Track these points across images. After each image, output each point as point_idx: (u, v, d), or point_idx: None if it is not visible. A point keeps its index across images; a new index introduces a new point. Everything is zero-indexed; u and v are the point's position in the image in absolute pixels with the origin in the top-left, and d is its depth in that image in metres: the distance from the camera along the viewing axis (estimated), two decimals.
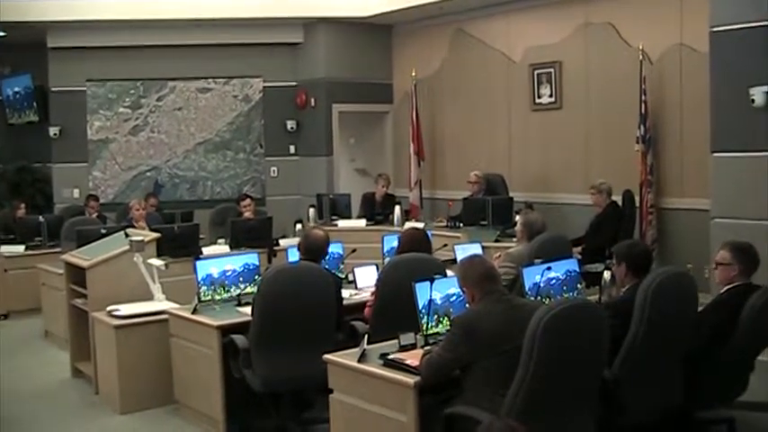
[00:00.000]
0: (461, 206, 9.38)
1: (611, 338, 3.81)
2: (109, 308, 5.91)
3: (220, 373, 5.12)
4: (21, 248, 9.22)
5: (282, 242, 8.55)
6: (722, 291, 4.57)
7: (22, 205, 10.43)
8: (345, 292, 5.51)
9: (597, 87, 9.39)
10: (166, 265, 6.29)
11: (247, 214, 9.48)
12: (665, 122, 8.69)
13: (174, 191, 11.98)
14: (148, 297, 6.05)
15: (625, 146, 8.76)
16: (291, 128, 12.00)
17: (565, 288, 5.07)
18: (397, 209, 9.62)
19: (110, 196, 11.75)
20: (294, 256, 5.74)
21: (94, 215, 10.09)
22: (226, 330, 5.08)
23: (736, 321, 4.30)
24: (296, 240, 8.27)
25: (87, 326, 6.25)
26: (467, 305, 4.02)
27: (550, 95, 9.87)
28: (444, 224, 9.30)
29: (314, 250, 5.26)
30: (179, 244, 7.76)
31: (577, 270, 5.25)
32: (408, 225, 8.79)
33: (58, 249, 8.68)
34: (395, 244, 5.93)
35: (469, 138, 10.96)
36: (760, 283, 4.53)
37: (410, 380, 3.78)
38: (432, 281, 4.34)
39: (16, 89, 12.48)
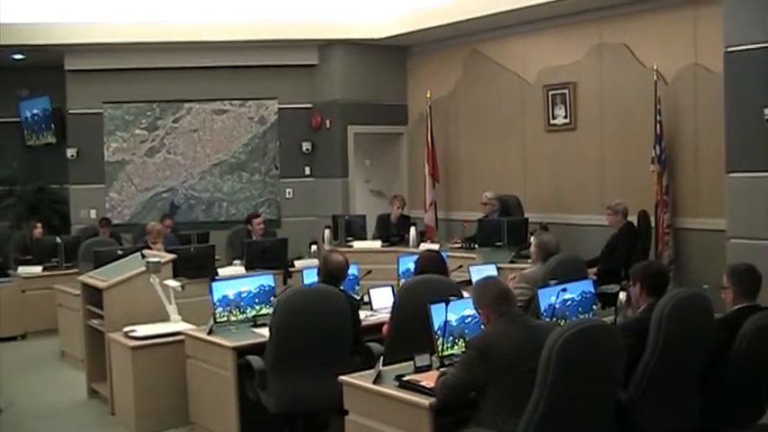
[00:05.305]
0: (477, 227, 9.38)
1: (627, 359, 3.80)
2: (125, 329, 5.94)
3: (236, 394, 5.13)
4: (38, 269, 9.29)
5: (298, 263, 8.55)
6: (727, 311, 4.55)
7: (39, 225, 10.50)
8: (361, 314, 5.51)
9: (612, 108, 9.38)
10: (182, 286, 6.34)
11: (259, 232, 9.49)
12: (681, 143, 8.66)
13: (190, 212, 12.02)
14: (164, 318, 6.08)
15: (640, 166, 8.73)
16: (307, 149, 12.04)
17: (580, 309, 5.05)
18: (413, 230, 9.62)
19: (126, 217, 11.81)
20: (309, 278, 5.77)
21: (107, 236, 10.16)
22: (241, 351, 5.09)
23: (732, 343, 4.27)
24: (311, 262, 8.34)
25: (104, 346, 6.28)
26: (482, 326, 4.02)
27: (565, 116, 9.86)
28: (459, 245, 9.28)
29: (333, 275, 5.25)
30: (195, 265, 7.79)
31: (593, 291, 5.23)
32: (424, 246, 8.79)
33: (74, 270, 8.72)
34: (410, 265, 5.92)
35: (484, 159, 10.96)
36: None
37: (425, 401, 3.77)
38: (447, 302, 4.34)
39: (34, 111, 12.62)
